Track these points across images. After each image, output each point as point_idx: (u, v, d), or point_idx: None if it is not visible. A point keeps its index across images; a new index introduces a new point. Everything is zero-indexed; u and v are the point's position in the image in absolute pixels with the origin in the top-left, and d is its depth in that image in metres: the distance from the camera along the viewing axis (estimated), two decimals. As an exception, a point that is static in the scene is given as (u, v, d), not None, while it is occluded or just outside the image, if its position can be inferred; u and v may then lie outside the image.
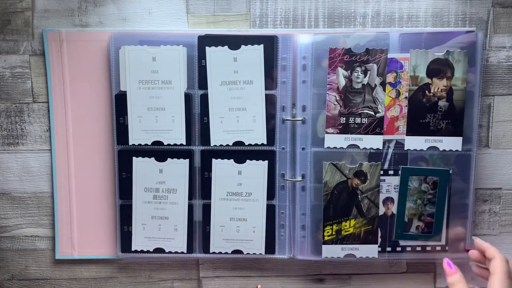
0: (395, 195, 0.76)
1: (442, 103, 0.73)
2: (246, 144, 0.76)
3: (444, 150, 0.74)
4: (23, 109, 0.78)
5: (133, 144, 0.76)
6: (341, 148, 0.75)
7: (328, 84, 0.74)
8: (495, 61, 0.76)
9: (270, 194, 0.77)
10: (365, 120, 0.74)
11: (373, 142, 0.74)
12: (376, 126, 0.74)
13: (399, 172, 0.75)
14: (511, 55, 0.76)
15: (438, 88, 0.73)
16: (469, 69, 0.73)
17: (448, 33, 0.74)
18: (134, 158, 0.76)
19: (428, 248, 0.77)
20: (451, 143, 0.74)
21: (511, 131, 0.78)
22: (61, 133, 0.77)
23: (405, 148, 0.74)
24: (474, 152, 0.74)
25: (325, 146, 0.75)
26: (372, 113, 0.74)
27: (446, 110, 0.73)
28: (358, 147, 0.74)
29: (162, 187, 0.77)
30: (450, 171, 0.75)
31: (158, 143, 0.76)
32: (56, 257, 0.80)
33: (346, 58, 0.73)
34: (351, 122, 0.74)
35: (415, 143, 0.74)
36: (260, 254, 0.78)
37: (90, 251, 0.80)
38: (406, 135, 0.74)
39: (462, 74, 0.73)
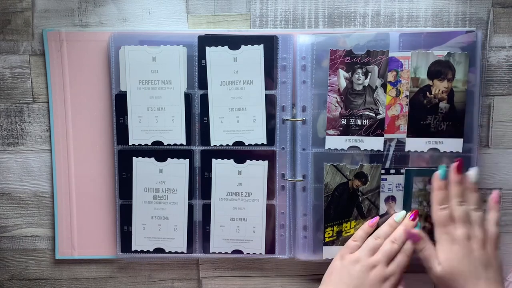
0: (396, 194, 0.76)
1: (443, 104, 0.73)
2: (246, 144, 0.76)
3: (444, 152, 0.74)
4: (23, 109, 0.78)
5: (133, 144, 0.76)
6: (342, 149, 0.75)
7: (329, 86, 0.74)
8: (495, 61, 0.77)
9: (270, 194, 0.77)
10: (366, 122, 0.74)
11: (374, 143, 0.74)
12: (377, 128, 0.74)
13: (403, 173, 0.75)
14: (511, 55, 0.76)
15: (439, 90, 0.73)
16: (469, 69, 0.73)
17: (448, 33, 0.74)
18: (134, 158, 0.76)
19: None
20: (452, 145, 0.74)
21: (511, 131, 0.78)
22: (61, 133, 0.77)
23: (406, 150, 0.74)
24: (475, 153, 0.74)
25: (326, 148, 0.75)
26: (373, 114, 0.74)
27: (446, 112, 0.73)
28: (359, 148, 0.74)
29: (162, 187, 0.77)
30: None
31: (158, 143, 0.76)
32: (56, 257, 0.80)
33: (347, 59, 0.73)
34: (352, 123, 0.74)
35: (416, 144, 0.74)
36: (260, 254, 0.78)
37: (90, 251, 0.80)
38: (407, 136, 0.74)
39: (463, 76, 0.73)
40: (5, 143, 0.78)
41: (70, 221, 0.79)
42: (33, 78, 0.77)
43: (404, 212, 0.75)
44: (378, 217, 0.75)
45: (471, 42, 0.73)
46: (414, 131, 0.74)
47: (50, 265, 0.81)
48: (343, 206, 0.76)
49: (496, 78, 0.77)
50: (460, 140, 0.74)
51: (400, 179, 0.75)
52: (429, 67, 0.73)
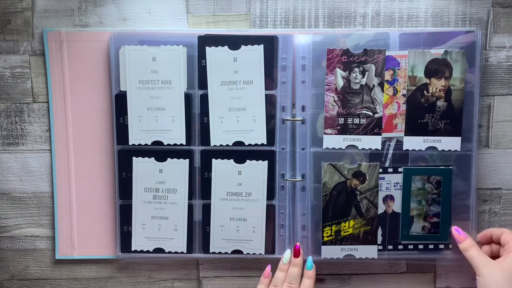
0: (395, 193, 0.76)
1: (441, 103, 0.73)
2: (246, 144, 0.76)
3: (443, 150, 0.74)
4: (23, 109, 0.78)
5: (133, 144, 0.76)
6: (340, 148, 0.75)
7: (326, 85, 0.74)
8: (495, 61, 0.76)
9: (270, 194, 0.77)
10: (363, 121, 0.74)
11: (371, 142, 0.74)
12: (374, 127, 0.74)
13: (401, 172, 0.75)
14: (511, 55, 0.76)
15: (437, 88, 0.73)
16: (469, 69, 0.73)
17: (448, 33, 0.74)
18: (134, 158, 0.76)
19: (431, 246, 0.77)
20: (450, 143, 0.74)
21: (511, 131, 0.77)
22: (61, 133, 0.78)
23: (404, 148, 0.74)
24: (475, 153, 0.74)
25: (324, 147, 0.75)
26: (371, 113, 0.74)
27: (444, 110, 0.73)
28: (356, 147, 0.74)
29: (162, 187, 0.77)
30: (451, 167, 0.75)
31: (158, 143, 0.76)
32: (56, 257, 0.80)
33: (344, 58, 0.73)
34: (350, 122, 0.74)
35: (414, 143, 0.74)
36: (260, 254, 0.78)
37: (90, 251, 0.80)
38: (405, 135, 0.74)
39: (461, 74, 0.73)
40: (5, 143, 0.79)
41: (70, 221, 0.79)
42: (33, 78, 0.77)
43: (288, 251, 0.76)
44: (269, 266, 0.76)
45: (471, 42, 0.73)
46: (412, 129, 0.74)
47: (50, 265, 0.81)
48: (342, 205, 0.75)
49: (496, 78, 0.77)
50: (458, 139, 0.74)
51: (398, 178, 0.75)
52: (426, 65, 0.73)
